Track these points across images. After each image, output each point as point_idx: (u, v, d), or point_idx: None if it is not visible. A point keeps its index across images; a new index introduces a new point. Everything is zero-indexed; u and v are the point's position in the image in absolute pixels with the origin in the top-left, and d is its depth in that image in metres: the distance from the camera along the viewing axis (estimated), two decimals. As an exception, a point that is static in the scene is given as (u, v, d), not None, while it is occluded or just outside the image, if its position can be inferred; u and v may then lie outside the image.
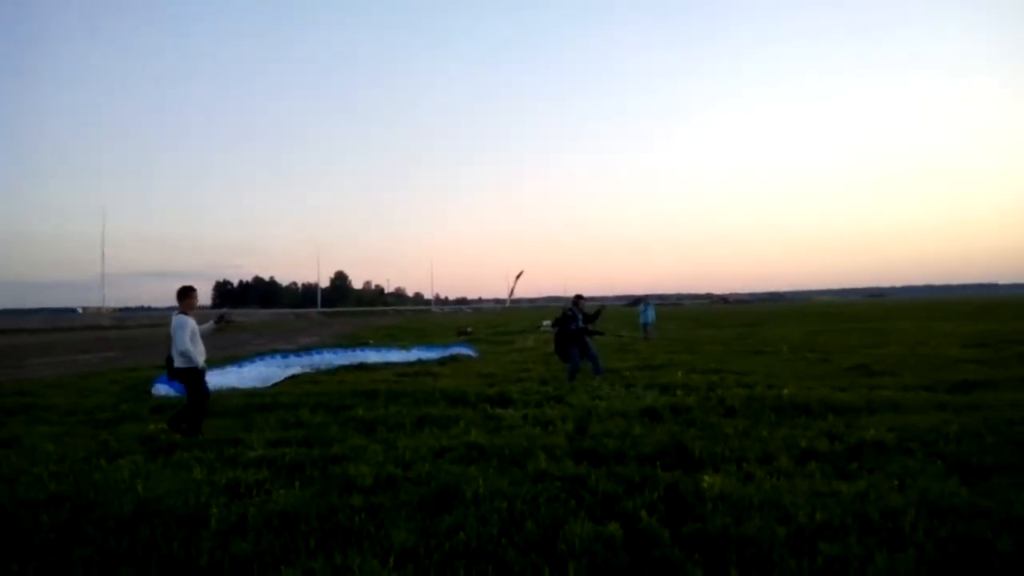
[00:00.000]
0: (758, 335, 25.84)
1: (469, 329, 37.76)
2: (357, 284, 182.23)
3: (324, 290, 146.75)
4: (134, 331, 53.09)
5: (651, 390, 10.26)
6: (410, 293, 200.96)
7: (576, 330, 12.35)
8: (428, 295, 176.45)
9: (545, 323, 36.29)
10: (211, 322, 8.20)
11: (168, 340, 7.60)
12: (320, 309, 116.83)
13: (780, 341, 21.03)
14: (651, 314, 25.77)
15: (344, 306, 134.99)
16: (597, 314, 12.99)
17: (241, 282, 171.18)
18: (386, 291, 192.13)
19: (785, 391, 9.11)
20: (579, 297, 12.87)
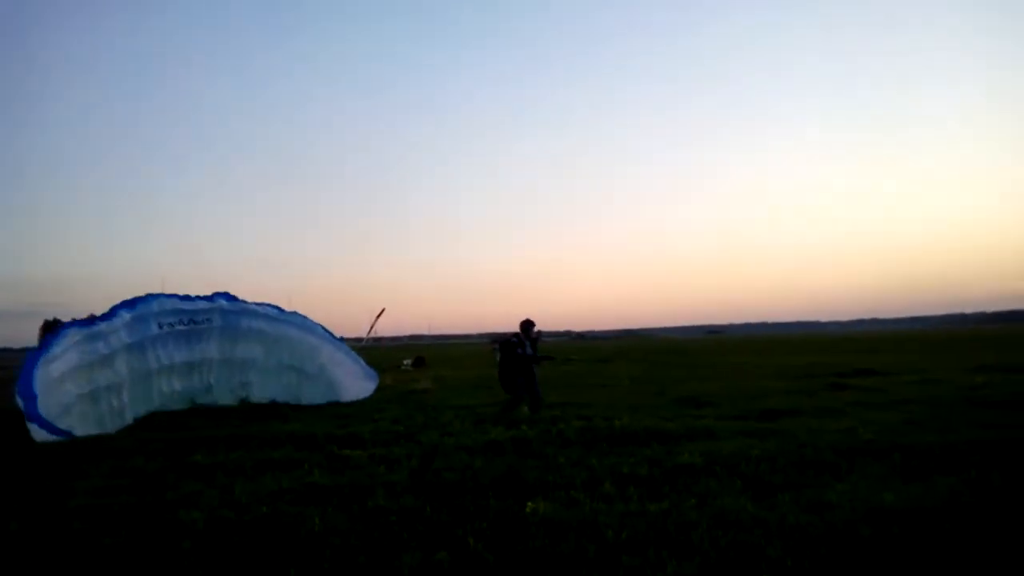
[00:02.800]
0: (606, 370, 27.24)
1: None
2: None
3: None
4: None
5: (499, 425, 10.64)
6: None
7: (525, 357, 11.16)
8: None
9: (406, 362, 36.09)
10: None
11: None
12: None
13: (624, 375, 22.36)
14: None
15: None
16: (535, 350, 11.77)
17: (75, 320, 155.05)
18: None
19: (617, 422, 9.82)
20: (529, 323, 11.51)
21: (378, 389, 20.55)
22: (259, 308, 12.27)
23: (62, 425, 10.12)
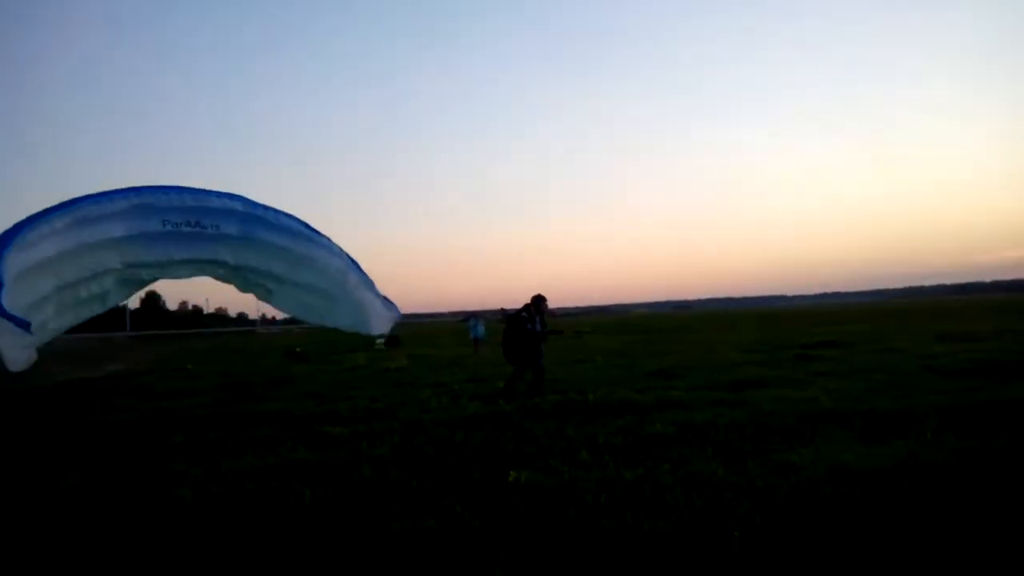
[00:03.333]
0: (581, 345, 27.62)
1: (298, 349, 36.54)
2: (172, 305, 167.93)
3: (134, 311, 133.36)
4: None
5: (475, 400, 10.86)
6: (233, 313, 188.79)
7: (534, 333, 10.95)
8: (253, 315, 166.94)
9: (379, 341, 36.03)
10: None
11: None
12: (129, 332, 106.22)
13: (597, 351, 22.72)
14: (481, 329, 26.66)
15: (157, 329, 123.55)
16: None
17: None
18: (205, 311, 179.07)
19: (591, 395, 10.10)
20: (542, 298, 11.33)
21: (351, 369, 20.68)
22: (280, 220, 10.21)
23: (35, 318, 7.79)
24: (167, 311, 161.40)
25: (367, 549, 4.15)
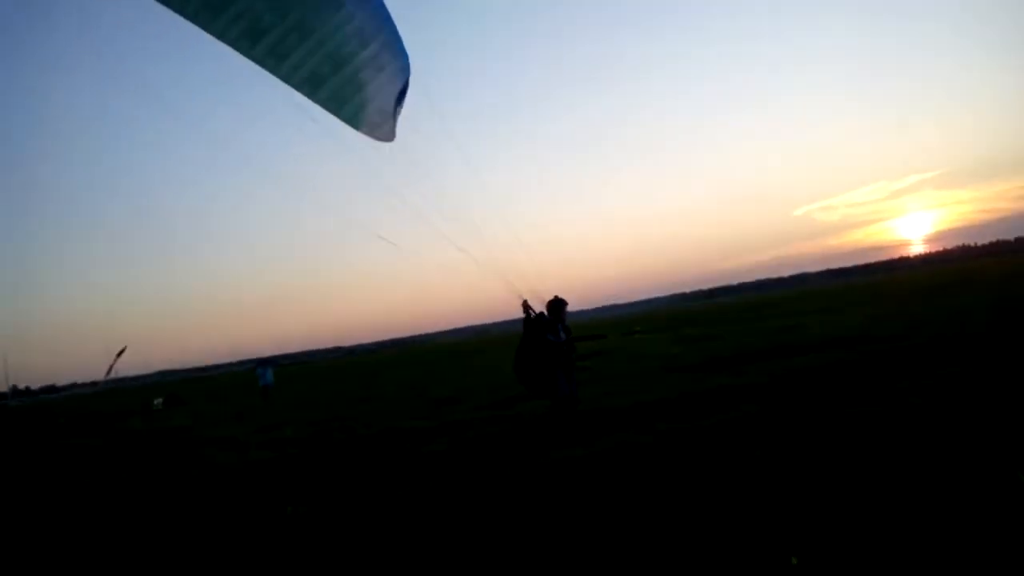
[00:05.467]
0: (375, 382, 28.04)
1: (62, 420, 32.62)
2: None
3: None
4: None
5: (263, 450, 11.09)
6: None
7: (557, 345, 9.02)
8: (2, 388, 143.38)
9: (157, 402, 33.43)
10: None
11: None
12: None
13: (392, 384, 23.43)
14: (270, 376, 25.98)
15: None
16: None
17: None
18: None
19: (372, 428, 10.89)
20: (562, 302, 9.38)
21: (124, 434, 19.22)
22: None
23: None
24: None
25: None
